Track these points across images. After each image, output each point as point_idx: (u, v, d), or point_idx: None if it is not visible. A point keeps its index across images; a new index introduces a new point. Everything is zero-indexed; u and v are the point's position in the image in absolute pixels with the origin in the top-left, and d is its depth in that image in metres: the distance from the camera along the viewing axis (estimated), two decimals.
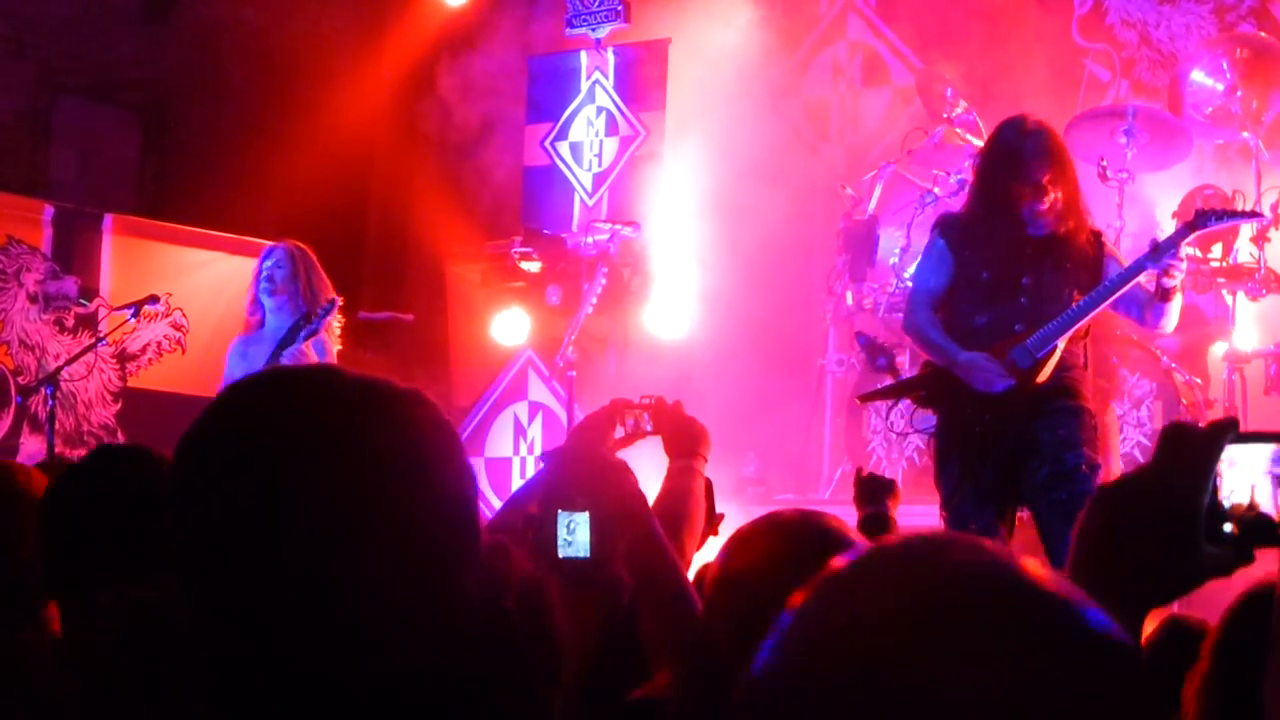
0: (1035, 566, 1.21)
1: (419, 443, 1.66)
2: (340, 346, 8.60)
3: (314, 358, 8.16)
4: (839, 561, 1.22)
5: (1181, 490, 1.70)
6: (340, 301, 8.39)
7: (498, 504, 11.52)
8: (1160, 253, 6.67)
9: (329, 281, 8.60)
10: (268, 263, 8.60)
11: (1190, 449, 1.71)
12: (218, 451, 1.65)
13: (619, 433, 4.14)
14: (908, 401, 7.29)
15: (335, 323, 8.46)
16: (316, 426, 1.63)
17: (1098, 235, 7.02)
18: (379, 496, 1.62)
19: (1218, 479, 1.70)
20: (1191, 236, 6.98)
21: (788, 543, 2.42)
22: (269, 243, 11.30)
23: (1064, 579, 1.22)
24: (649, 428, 4.14)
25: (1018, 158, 6.77)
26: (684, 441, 3.98)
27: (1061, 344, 6.76)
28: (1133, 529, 1.70)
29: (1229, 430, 1.72)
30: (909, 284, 9.94)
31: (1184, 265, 6.70)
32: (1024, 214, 6.78)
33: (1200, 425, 1.74)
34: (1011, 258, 6.82)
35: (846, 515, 8.72)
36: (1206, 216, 6.94)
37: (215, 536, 1.61)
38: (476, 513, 1.70)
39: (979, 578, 1.19)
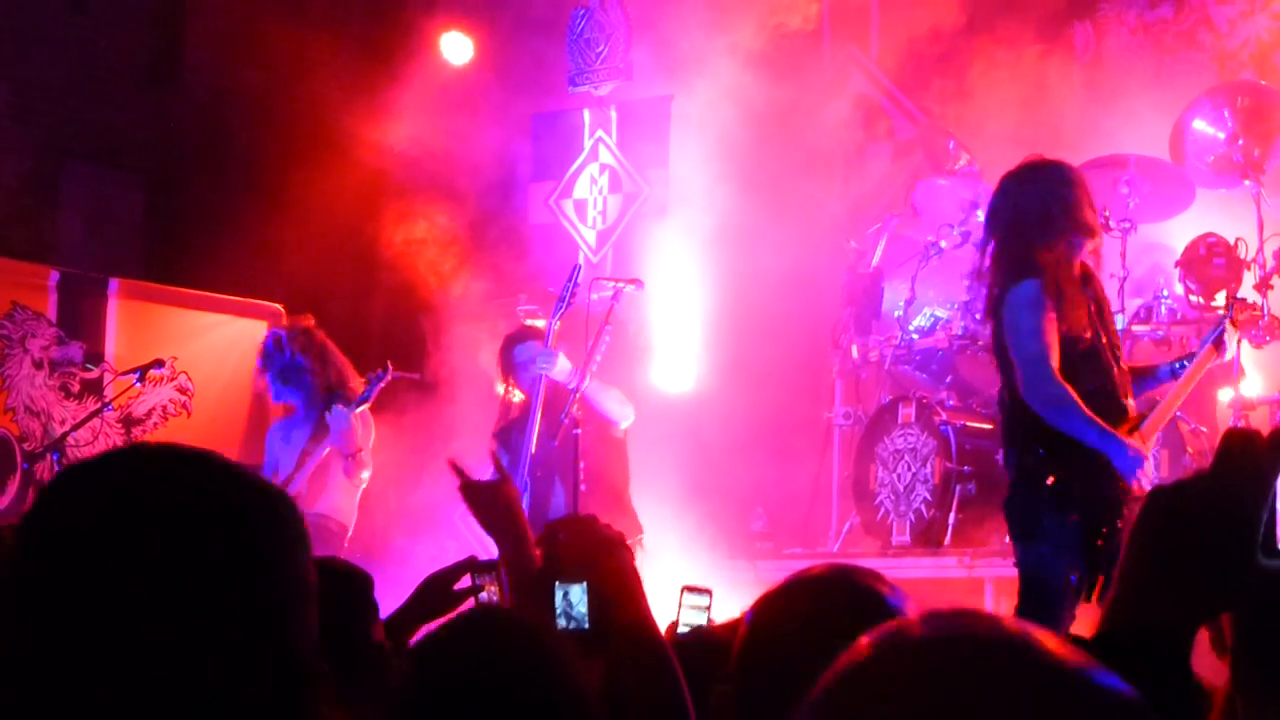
0: (1055, 643, 1.17)
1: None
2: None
3: (358, 425, 8.28)
4: (860, 647, 1.18)
5: (1240, 498, 1.63)
6: (392, 369, 8.52)
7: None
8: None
9: (339, 354, 8.71)
10: (282, 354, 8.70)
11: (1251, 457, 1.65)
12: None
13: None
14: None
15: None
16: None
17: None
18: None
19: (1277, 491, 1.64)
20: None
21: (818, 600, 2.41)
22: (274, 305, 11.39)
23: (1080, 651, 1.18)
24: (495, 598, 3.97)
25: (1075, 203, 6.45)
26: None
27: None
28: (1187, 534, 1.63)
29: None
30: (914, 336, 9.95)
31: None
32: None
33: (1262, 433, 1.67)
34: (1094, 315, 6.46)
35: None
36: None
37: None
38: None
39: (1004, 667, 1.14)
